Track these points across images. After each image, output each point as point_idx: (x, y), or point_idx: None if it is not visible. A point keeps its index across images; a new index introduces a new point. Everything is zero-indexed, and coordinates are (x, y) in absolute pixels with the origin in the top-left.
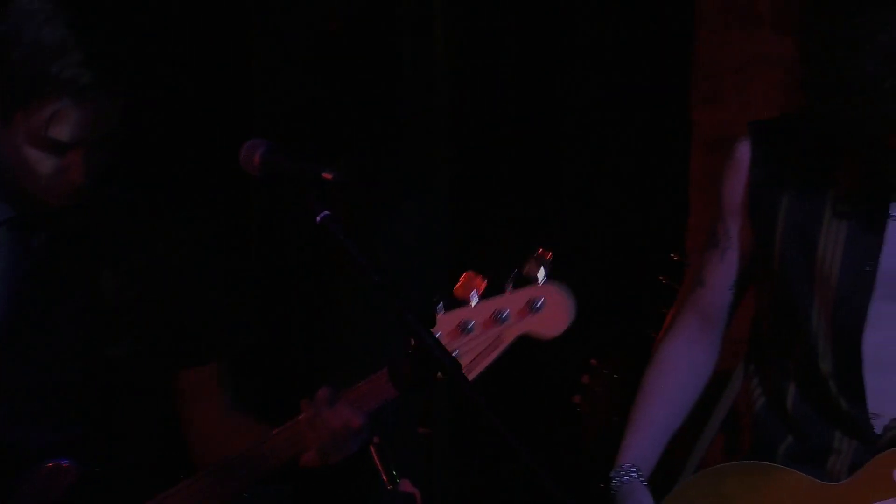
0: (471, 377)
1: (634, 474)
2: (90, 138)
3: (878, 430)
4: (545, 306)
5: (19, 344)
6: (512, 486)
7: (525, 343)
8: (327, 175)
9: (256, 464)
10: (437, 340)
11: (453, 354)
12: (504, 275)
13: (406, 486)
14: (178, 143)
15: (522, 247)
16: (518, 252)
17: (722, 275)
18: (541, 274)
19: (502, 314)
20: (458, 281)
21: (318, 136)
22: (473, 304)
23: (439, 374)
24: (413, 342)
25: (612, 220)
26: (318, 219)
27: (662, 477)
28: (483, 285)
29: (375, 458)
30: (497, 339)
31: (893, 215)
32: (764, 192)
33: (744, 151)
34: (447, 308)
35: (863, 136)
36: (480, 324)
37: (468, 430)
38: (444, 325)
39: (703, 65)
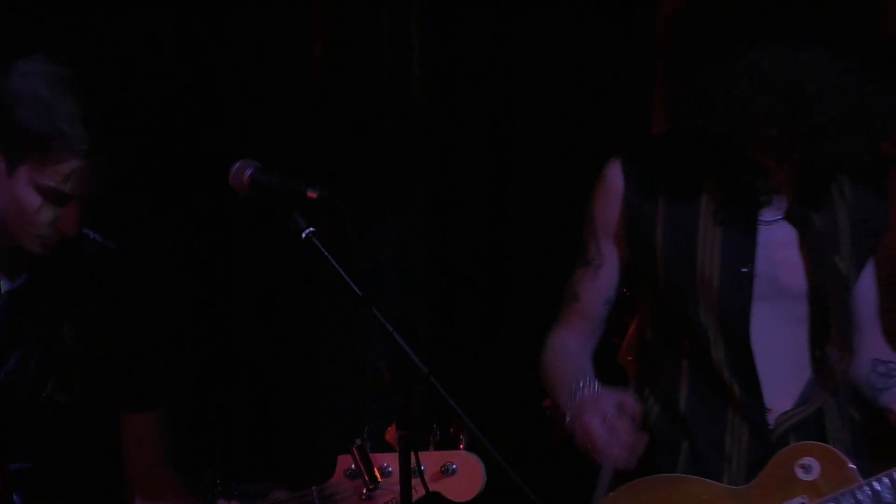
0: None
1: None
2: (89, 193)
3: (770, 424)
4: (458, 472)
5: None
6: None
7: (499, 346)
8: (312, 193)
9: None
10: (410, 349)
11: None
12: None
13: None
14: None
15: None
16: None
17: (596, 291)
18: (462, 441)
19: (420, 467)
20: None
21: (299, 155)
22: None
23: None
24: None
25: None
26: (303, 235)
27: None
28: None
29: (358, 460)
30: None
31: (763, 221)
32: (640, 210)
33: (615, 173)
34: (373, 450)
35: (732, 152)
36: (397, 471)
37: (443, 431)
38: (365, 463)
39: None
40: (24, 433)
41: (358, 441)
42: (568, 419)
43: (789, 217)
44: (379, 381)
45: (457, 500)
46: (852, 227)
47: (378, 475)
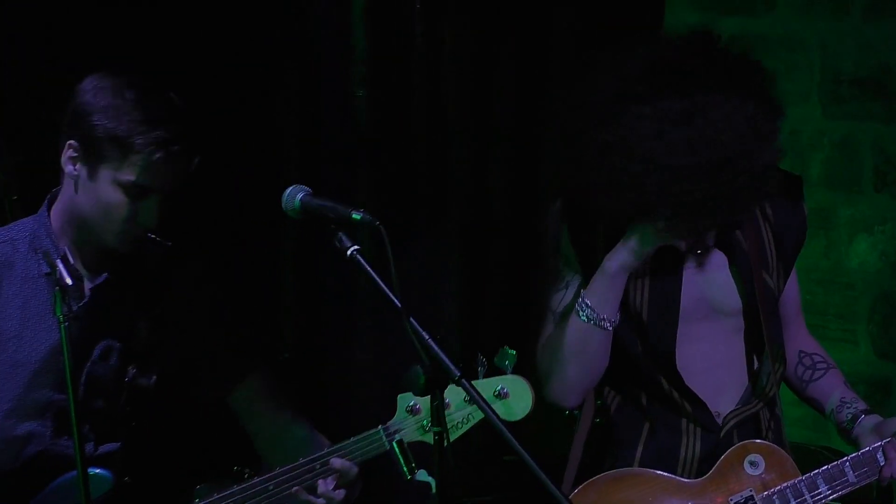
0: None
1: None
2: (165, 188)
3: (719, 422)
4: (507, 395)
5: (55, 375)
6: (515, 477)
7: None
8: (356, 215)
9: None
10: (444, 355)
11: (429, 427)
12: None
13: (422, 476)
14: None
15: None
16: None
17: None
18: (508, 367)
19: (466, 398)
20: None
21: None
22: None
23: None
24: (427, 355)
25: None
26: (348, 253)
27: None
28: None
29: (398, 453)
30: (465, 417)
31: (686, 267)
32: (586, 257)
33: (555, 218)
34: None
35: (636, 220)
36: (452, 403)
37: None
38: (422, 400)
39: None
40: (112, 416)
41: (399, 437)
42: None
43: (719, 244)
44: (415, 384)
45: (511, 420)
46: (776, 241)
47: (414, 466)
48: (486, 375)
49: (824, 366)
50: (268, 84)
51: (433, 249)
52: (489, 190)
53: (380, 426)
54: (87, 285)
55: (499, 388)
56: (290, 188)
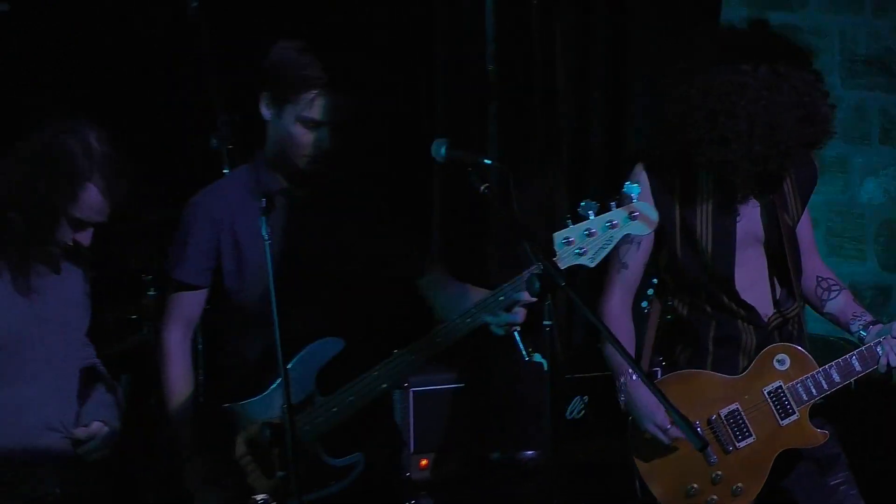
0: (594, 264)
1: (633, 376)
2: (333, 120)
3: (765, 322)
4: (639, 216)
5: (290, 277)
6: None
7: None
8: (487, 161)
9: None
10: (557, 268)
11: (585, 257)
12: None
13: (537, 358)
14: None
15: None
16: None
17: (639, 258)
18: (635, 195)
19: (613, 222)
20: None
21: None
22: (591, 217)
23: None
24: (543, 269)
25: None
26: (480, 189)
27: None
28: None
29: (517, 338)
30: (609, 238)
31: (738, 209)
32: (663, 204)
33: (643, 177)
34: (573, 221)
35: (733, 170)
36: (599, 229)
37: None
38: (574, 233)
39: None
40: (323, 299)
41: (516, 327)
42: (622, 399)
43: (758, 198)
44: (532, 288)
45: (642, 234)
46: (794, 188)
47: (531, 350)
48: (618, 206)
49: (837, 288)
50: (424, 58)
51: (544, 187)
52: (588, 141)
53: (524, 270)
54: (279, 202)
55: (631, 211)
56: (437, 140)
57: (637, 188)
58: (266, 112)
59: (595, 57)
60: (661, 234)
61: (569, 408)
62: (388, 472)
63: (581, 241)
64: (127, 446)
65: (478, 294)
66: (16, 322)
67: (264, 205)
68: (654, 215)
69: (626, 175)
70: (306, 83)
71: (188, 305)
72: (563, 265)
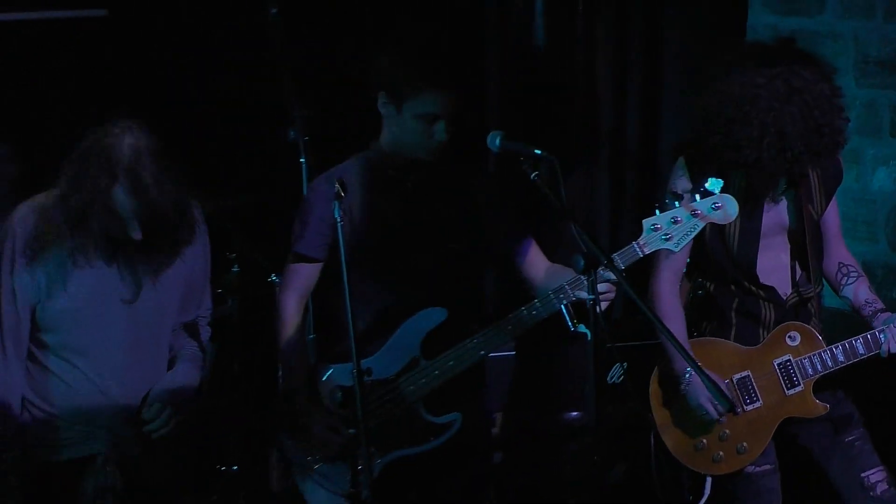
0: (678, 249)
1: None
2: (447, 113)
3: (783, 300)
4: (721, 207)
5: (402, 253)
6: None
7: None
8: (537, 152)
9: None
10: (594, 246)
11: (671, 242)
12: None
13: (581, 328)
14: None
15: None
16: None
17: (687, 245)
18: (717, 190)
19: (697, 211)
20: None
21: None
22: (678, 206)
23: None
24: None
25: None
26: (531, 176)
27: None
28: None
29: (564, 311)
30: (693, 226)
31: (764, 207)
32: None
33: (685, 170)
34: (660, 210)
35: (750, 172)
36: (684, 218)
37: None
38: (661, 220)
39: None
40: (430, 272)
41: (566, 301)
42: (683, 386)
43: (784, 193)
44: (576, 266)
45: (723, 223)
46: (819, 182)
47: (575, 322)
48: (702, 197)
49: (856, 274)
50: (478, 62)
51: (587, 175)
52: (625, 137)
53: (633, 243)
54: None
55: (713, 203)
56: (492, 132)
57: (720, 182)
58: (384, 109)
59: (632, 62)
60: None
61: (609, 373)
62: (481, 430)
63: (667, 228)
64: (207, 411)
65: (568, 273)
66: (76, 298)
67: (337, 190)
68: (734, 208)
69: (669, 167)
70: (424, 81)
71: (304, 276)
72: (648, 249)
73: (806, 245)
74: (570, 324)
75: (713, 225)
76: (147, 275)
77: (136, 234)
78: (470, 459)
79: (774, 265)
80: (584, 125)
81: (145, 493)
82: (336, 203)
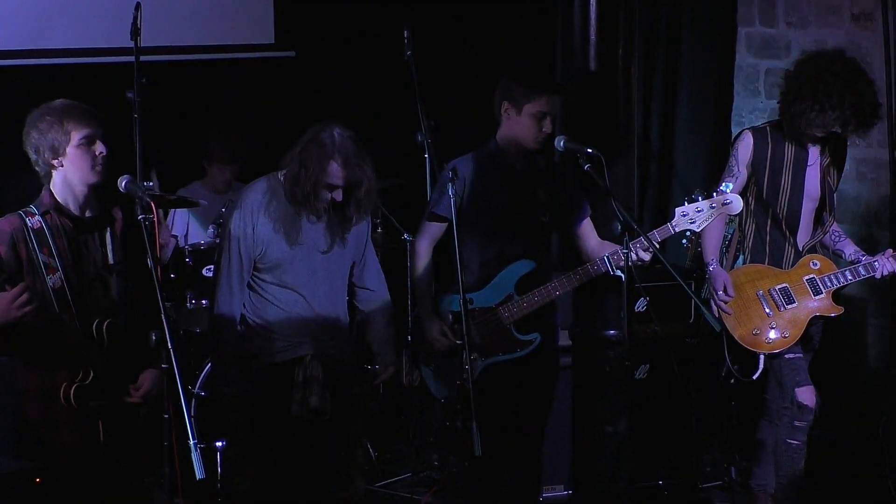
0: (699, 230)
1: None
2: (553, 111)
3: (801, 247)
4: (730, 203)
5: (508, 219)
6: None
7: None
8: (589, 150)
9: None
10: (630, 218)
11: (694, 224)
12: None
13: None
14: None
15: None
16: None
17: (735, 189)
18: (729, 190)
19: (713, 204)
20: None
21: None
22: (700, 200)
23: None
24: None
25: None
26: (585, 168)
27: None
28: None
29: (607, 261)
30: (710, 215)
31: (809, 164)
32: (759, 157)
33: (749, 139)
34: (688, 202)
35: (821, 127)
36: (706, 209)
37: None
38: (689, 210)
39: None
40: (526, 237)
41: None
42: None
43: (818, 162)
44: (613, 232)
45: (734, 213)
46: (835, 164)
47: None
48: (718, 195)
49: (844, 236)
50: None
51: (623, 168)
52: (649, 137)
53: (668, 223)
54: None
55: (725, 200)
56: (558, 136)
57: (732, 185)
58: (506, 114)
59: (656, 84)
60: (755, 174)
61: (637, 304)
62: (553, 345)
63: (693, 215)
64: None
65: (609, 247)
66: (293, 249)
67: (450, 176)
68: (739, 204)
69: (683, 163)
70: (542, 89)
71: (436, 229)
72: (676, 229)
73: (825, 207)
74: (611, 271)
75: (772, 183)
76: (339, 234)
77: (338, 196)
78: (545, 365)
79: (805, 220)
80: (621, 130)
81: (340, 387)
82: (449, 184)
